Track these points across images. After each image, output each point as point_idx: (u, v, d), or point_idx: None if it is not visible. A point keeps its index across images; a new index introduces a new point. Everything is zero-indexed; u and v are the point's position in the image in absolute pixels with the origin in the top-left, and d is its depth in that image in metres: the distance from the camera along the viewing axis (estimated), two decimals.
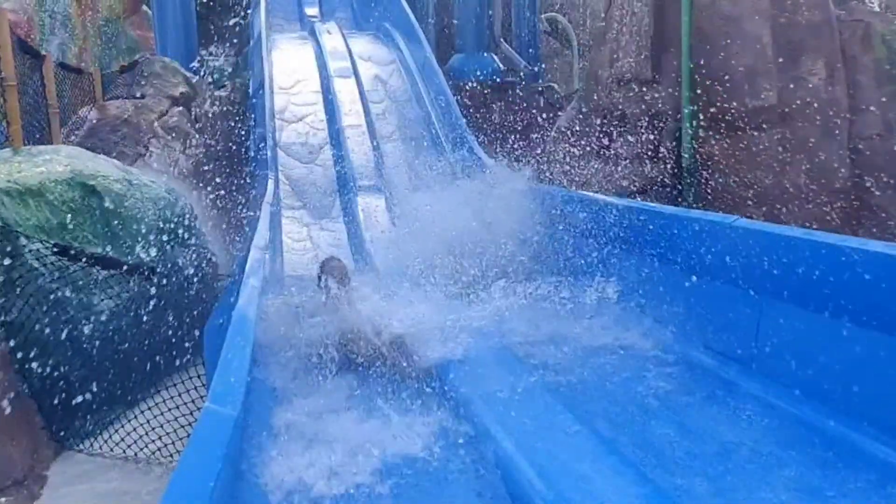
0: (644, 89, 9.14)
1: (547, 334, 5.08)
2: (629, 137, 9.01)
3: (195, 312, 5.84)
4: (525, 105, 11.87)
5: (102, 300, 5.32)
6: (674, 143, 8.68)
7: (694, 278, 4.84)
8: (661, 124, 8.96)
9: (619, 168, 8.47)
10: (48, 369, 4.89)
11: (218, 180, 9.87)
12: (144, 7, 15.54)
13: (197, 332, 5.57)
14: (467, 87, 12.05)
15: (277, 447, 3.36)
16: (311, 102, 10.79)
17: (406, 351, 4.43)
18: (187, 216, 7.26)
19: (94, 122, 8.83)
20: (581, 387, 4.35)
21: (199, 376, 5.01)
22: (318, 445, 3.41)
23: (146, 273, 5.66)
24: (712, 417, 3.87)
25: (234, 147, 10.55)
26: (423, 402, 3.90)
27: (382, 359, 4.40)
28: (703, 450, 3.50)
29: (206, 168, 9.96)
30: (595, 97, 9.86)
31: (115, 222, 5.96)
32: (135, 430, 4.93)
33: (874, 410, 3.48)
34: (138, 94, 9.74)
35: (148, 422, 4.93)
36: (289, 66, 11.55)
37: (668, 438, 3.62)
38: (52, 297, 4.98)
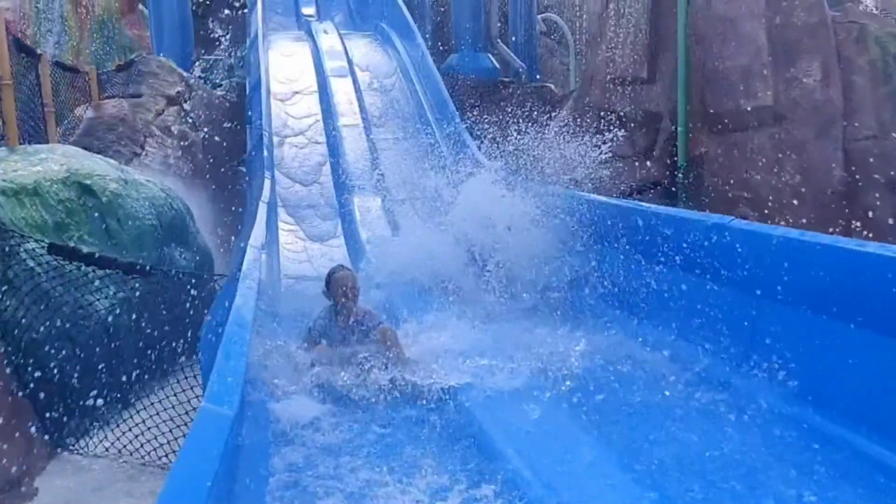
0: (640, 89, 9.16)
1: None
2: (625, 137, 9.02)
3: (191, 312, 5.83)
4: (521, 105, 11.87)
5: (98, 300, 5.31)
6: (669, 144, 8.70)
7: (689, 279, 4.86)
8: (656, 124, 8.98)
9: (615, 168, 8.49)
10: (43, 369, 4.88)
11: (214, 179, 9.86)
12: (140, 6, 15.51)
13: (192, 332, 5.56)
14: (463, 87, 12.05)
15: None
16: (310, 114, 10.62)
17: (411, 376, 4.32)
18: (183, 215, 7.25)
19: (90, 121, 8.81)
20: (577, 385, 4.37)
21: (194, 376, 5.00)
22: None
23: (142, 272, 5.64)
24: (708, 421, 3.88)
25: (230, 146, 10.54)
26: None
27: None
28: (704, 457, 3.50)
29: (202, 167, 9.95)
30: (591, 97, 9.88)
31: (111, 221, 5.95)
32: (130, 430, 4.92)
33: (869, 411, 3.49)
34: (134, 94, 9.72)
35: (143, 422, 4.92)
36: (285, 74, 11.40)
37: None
38: (47, 296, 4.97)
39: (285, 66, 11.70)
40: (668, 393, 4.22)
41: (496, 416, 3.80)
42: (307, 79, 11.43)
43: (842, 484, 3.17)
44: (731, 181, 7.96)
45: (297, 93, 11.00)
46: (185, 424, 4.71)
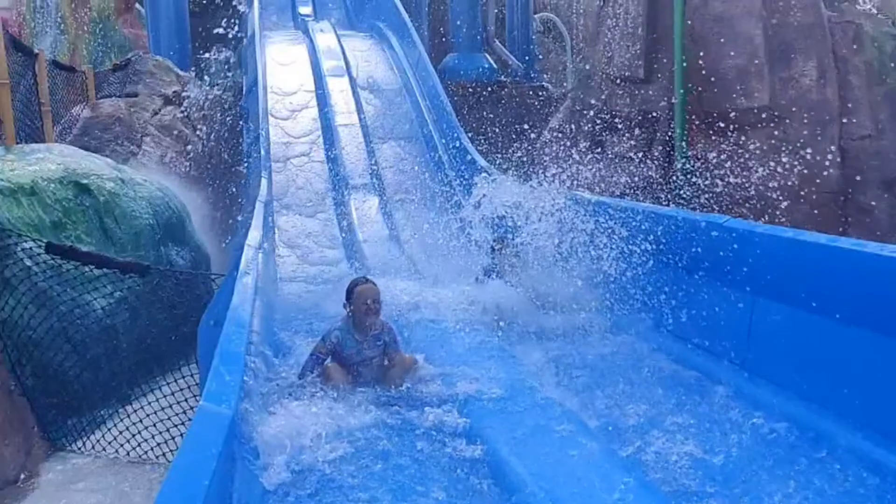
0: (637, 89, 9.18)
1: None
2: (622, 137, 9.04)
3: (188, 311, 5.83)
4: (518, 105, 11.88)
5: (95, 299, 5.31)
6: (666, 143, 8.71)
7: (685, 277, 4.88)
8: (653, 124, 8.99)
9: (612, 167, 8.50)
10: (41, 368, 4.88)
11: (211, 179, 9.86)
12: (137, 5, 15.50)
13: (190, 331, 5.55)
14: (461, 87, 12.06)
15: None
16: (310, 131, 10.46)
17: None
18: (180, 214, 7.25)
19: (87, 120, 8.81)
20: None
21: (192, 375, 5.00)
22: None
23: (139, 272, 5.64)
24: (702, 417, 3.89)
25: (226, 145, 10.54)
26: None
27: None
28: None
29: (198, 166, 9.95)
30: (588, 97, 9.89)
31: (108, 221, 5.95)
32: (127, 429, 4.92)
33: (868, 411, 3.50)
34: (131, 93, 9.72)
35: (141, 421, 4.92)
36: (282, 86, 11.14)
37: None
38: (44, 295, 4.97)
39: (282, 75, 11.51)
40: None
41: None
42: (306, 91, 11.20)
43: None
44: (728, 180, 7.97)
45: (296, 110, 10.78)
46: (184, 423, 4.71)
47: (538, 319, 5.46)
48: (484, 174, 6.82)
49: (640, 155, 8.64)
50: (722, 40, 8.39)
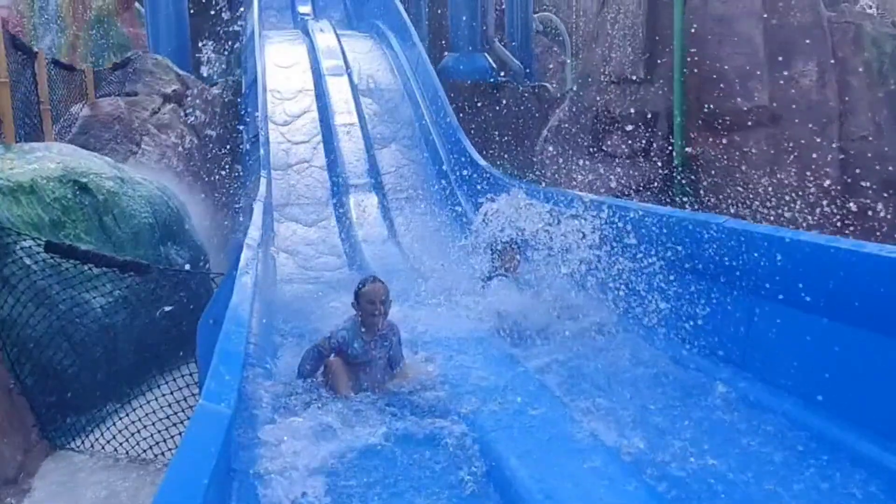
0: (636, 89, 9.18)
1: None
2: (621, 137, 9.04)
3: (187, 310, 5.82)
4: (518, 105, 11.89)
5: (94, 298, 5.31)
6: (666, 143, 8.71)
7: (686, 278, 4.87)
8: (653, 124, 8.99)
9: (611, 168, 8.50)
10: (40, 367, 4.87)
11: (210, 178, 9.86)
12: (136, 4, 15.49)
13: (189, 330, 5.54)
14: (460, 87, 12.06)
15: None
16: (310, 136, 10.36)
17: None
18: (179, 213, 7.24)
19: (86, 119, 8.79)
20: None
21: (191, 374, 5.00)
22: None
23: (138, 270, 5.63)
24: (707, 422, 3.88)
25: (225, 145, 10.53)
26: None
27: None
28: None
29: (198, 165, 9.94)
30: (588, 97, 9.89)
31: (108, 220, 5.95)
32: (126, 428, 4.91)
33: (868, 412, 3.50)
34: (130, 92, 9.70)
35: (140, 420, 4.92)
36: (281, 89, 11.09)
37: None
38: (44, 294, 4.96)
39: (281, 76, 11.47)
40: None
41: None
42: (306, 92, 11.16)
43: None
44: (727, 181, 7.97)
45: (295, 114, 10.74)
46: (182, 423, 4.70)
47: (543, 324, 5.43)
48: (489, 195, 6.69)
49: (640, 155, 8.65)
50: (722, 40, 8.39)
